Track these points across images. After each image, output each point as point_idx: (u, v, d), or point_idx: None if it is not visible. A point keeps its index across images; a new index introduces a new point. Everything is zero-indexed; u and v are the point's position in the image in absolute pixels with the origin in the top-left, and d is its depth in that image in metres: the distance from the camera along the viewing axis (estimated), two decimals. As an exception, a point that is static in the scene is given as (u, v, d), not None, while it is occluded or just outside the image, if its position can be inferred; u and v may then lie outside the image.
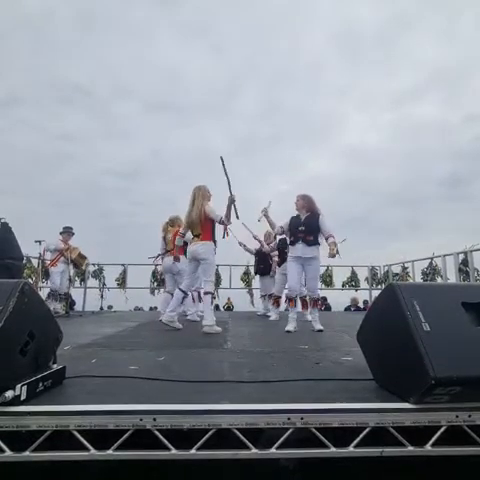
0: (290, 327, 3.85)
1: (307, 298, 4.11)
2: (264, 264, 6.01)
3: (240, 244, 6.18)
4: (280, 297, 5.51)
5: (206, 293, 3.85)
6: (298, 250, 3.97)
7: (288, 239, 4.25)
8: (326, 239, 3.96)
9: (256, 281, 7.81)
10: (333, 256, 3.91)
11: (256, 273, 6.57)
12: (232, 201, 3.79)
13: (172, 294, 4.44)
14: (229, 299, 10.77)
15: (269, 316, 5.52)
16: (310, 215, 4.05)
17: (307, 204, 4.08)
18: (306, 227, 3.99)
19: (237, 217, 3.99)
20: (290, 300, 4.14)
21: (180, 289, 3.99)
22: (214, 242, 3.89)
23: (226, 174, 3.79)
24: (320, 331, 3.86)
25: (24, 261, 6.75)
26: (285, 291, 5.26)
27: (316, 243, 3.97)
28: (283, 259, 5.28)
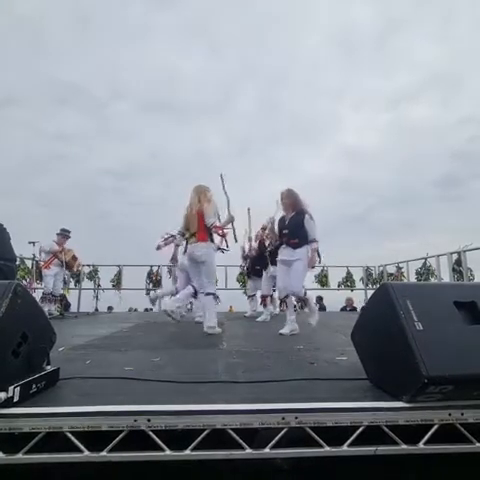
0: (285, 330, 3.69)
1: (293, 299, 4.00)
2: (260, 265, 5.98)
3: (244, 251, 6.19)
4: (267, 296, 5.50)
5: (208, 294, 3.73)
6: (284, 254, 3.81)
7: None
8: (309, 242, 3.72)
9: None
10: (312, 267, 3.81)
11: (248, 275, 6.44)
12: (231, 220, 3.76)
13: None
14: (231, 307, 10.50)
15: (256, 317, 5.48)
16: (294, 216, 3.79)
17: (293, 202, 3.83)
18: (289, 230, 3.78)
19: (235, 240, 3.92)
20: (282, 302, 4.08)
21: (193, 287, 3.93)
22: (212, 241, 3.74)
23: (225, 193, 3.71)
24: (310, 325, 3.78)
25: (17, 262, 6.69)
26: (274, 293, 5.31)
27: (301, 245, 3.71)
28: (271, 261, 5.29)
